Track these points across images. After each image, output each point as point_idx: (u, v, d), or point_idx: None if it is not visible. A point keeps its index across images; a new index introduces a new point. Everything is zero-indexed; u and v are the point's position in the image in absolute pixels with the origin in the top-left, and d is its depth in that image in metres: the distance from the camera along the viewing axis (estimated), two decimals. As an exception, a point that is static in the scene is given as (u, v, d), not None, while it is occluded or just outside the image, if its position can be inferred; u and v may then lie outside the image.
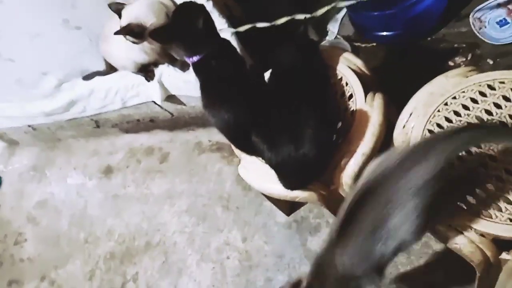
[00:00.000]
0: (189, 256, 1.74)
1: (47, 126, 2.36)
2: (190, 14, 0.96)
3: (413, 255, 1.36)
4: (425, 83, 1.06)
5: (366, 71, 1.14)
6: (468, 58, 1.53)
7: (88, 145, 2.42)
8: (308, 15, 1.26)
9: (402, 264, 1.37)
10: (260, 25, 1.31)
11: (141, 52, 1.57)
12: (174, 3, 1.42)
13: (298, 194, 0.97)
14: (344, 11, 1.81)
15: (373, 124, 0.98)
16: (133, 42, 1.43)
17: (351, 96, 1.08)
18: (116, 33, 1.39)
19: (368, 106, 1.03)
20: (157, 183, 2.06)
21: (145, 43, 1.48)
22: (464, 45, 1.57)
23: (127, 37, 1.40)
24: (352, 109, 1.05)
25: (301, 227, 1.59)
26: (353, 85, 1.08)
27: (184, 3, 1.00)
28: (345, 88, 1.10)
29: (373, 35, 1.70)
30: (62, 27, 1.61)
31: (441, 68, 1.56)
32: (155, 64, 1.71)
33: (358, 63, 1.14)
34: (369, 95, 1.06)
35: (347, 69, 1.11)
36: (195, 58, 1.00)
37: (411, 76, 1.56)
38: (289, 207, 1.59)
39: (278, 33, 1.16)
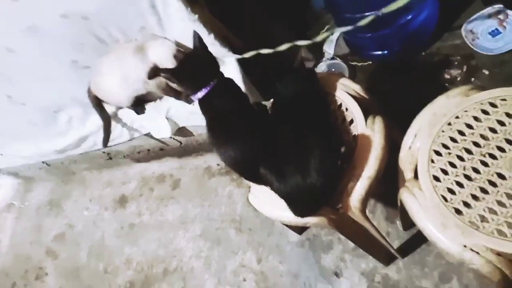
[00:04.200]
0: (207, 280, 1.78)
1: (61, 161, 2.43)
2: (193, 53, 1.03)
3: (427, 266, 1.39)
4: (424, 98, 1.10)
5: (364, 95, 1.18)
6: (464, 70, 1.57)
7: (101, 177, 2.49)
8: (309, 42, 1.31)
9: (416, 276, 1.39)
10: (264, 51, 1.37)
11: (142, 86, 1.61)
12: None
13: (308, 220, 1.01)
14: (338, 32, 1.86)
15: (376, 147, 1.02)
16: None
17: (351, 121, 1.13)
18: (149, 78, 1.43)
19: (370, 129, 1.07)
20: (171, 209, 2.12)
21: (157, 82, 1.55)
22: (458, 57, 1.61)
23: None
24: (354, 133, 1.10)
25: (314, 245, 1.62)
26: (353, 111, 1.12)
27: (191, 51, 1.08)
28: (346, 113, 1.14)
29: (369, 54, 1.75)
30: (71, 68, 1.68)
31: (438, 81, 1.61)
32: (150, 99, 1.76)
33: (356, 88, 1.19)
34: (370, 119, 1.10)
35: (346, 95, 1.16)
36: (200, 94, 1.05)
37: (410, 91, 1.62)
38: (300, 226, 1.62)
39: (277, 64, 1.22)
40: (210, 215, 1.97)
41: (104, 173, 2.49)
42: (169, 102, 1.76)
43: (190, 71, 1.04)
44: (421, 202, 0.92)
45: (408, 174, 1.02)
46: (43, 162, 2.47)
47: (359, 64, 1.79)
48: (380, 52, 1.70)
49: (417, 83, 1.64)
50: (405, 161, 1.02)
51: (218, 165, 2.11)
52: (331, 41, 1.86)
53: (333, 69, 1.81)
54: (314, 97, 1.12)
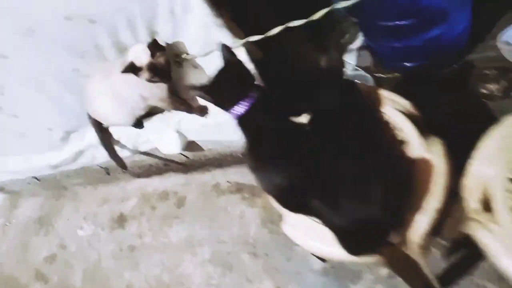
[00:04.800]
0: (219, 312, 1.62)
1: (53, 176, 2.23)
2: (226, 65, 0.89)
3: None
4: (460, 114, 0.98)
5: (415, 113, 1.05)
6: (502, 84, 1.47)
7: (97, 192, 2.30)
8: (303, 21, 1.16)
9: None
10: (253, 38, 1.21)
11: (141, 103, 1.50)
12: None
13: (363, 259, 0.87)
14: (360, 40, 1.74)
15: (440, 174, 0.89)
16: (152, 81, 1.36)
17: (401, 141, 1.00)
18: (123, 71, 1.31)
19: (427, 152, 0.94)
20: (175, 230, 1.95)
21: (159, 95, 1.44)
22: (494, 71, 1.51)
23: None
24: (408, 156, 0.97)
25: (340, 274, 1.48)
26: (406, 130, 0.99)
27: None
28: (396, 133, 1.01)
29: (396, 65, 1.63)
30: (72, 77, 1.52)
31: (474, 96, 1.50)
32: (151, 114, 1.64)
33: (406, 104, 1.06)
34: (424, 140, 0.98)
35: (395, 111, 1.03)
36: (238, 110, 0.90)
37: (442, 106, 1.50)
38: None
39: (314, 75, 1.08)
40: (220, 237, 1.81)
41: (100, 189, 2.30)
42: (179, 114, 1.60)
43: (225, 84, 0.89)
44: (502, 240, 0.79)
45: (473, 204, 0.89)
46: (33, 177, 2.28)
47: (385, 76, 1.67)
48: (408, 64, 1.59)
49: (450, 98, 1.52)
50: (470, 189, 0.89)
51: (227, 182, 1.96)
52: (352, 51, 1.73)
53: (356, 81, 1.68)
54: (361, 112, 0.98)
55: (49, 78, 1.51)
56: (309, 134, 0.92)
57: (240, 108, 0.88)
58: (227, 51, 0.92)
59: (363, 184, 0.81)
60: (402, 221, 0.87)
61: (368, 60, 1.73)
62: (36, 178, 2.30)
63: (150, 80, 1.34)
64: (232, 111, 0.89)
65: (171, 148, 1.68)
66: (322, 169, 0.84)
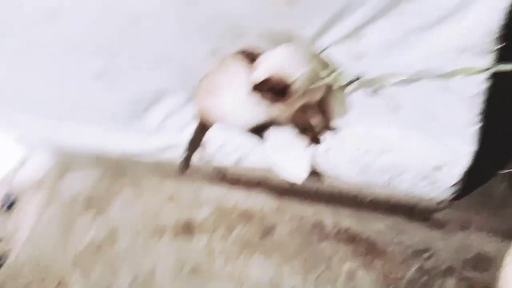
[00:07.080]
0: None
1: (114, 159, 1.89)
2: None
3: None
4: None
5: None
6: None
7: (163, 188, 1.94)
8: None
9: None
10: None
11: (265, 110, 1.20)
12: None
13: None
14: None
15: None
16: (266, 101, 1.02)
17: None
18: (255, 89, 1.02)
19: None
20: (257, 264, 1.58)
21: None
22: None
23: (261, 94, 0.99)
24: None
25: None
26: None
27: None
28: None
29: None
30: (206, 56, 1.16)
31: None
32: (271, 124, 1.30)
33: None
34: None
35: None
36: None
37: None
38: None
39: None
40: (317, 294, 1.44)
41: (167, 184, 1.94)
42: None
43: None
44: None
45: None
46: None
47: None
48: None
49: None
50: None
51: (335, 224, 1.57)
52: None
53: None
54: None
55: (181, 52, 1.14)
56: None
57: None
58: None
59: None
60: None
61: None
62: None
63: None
64: None
65: (296, 175, 1.31)
66: None
